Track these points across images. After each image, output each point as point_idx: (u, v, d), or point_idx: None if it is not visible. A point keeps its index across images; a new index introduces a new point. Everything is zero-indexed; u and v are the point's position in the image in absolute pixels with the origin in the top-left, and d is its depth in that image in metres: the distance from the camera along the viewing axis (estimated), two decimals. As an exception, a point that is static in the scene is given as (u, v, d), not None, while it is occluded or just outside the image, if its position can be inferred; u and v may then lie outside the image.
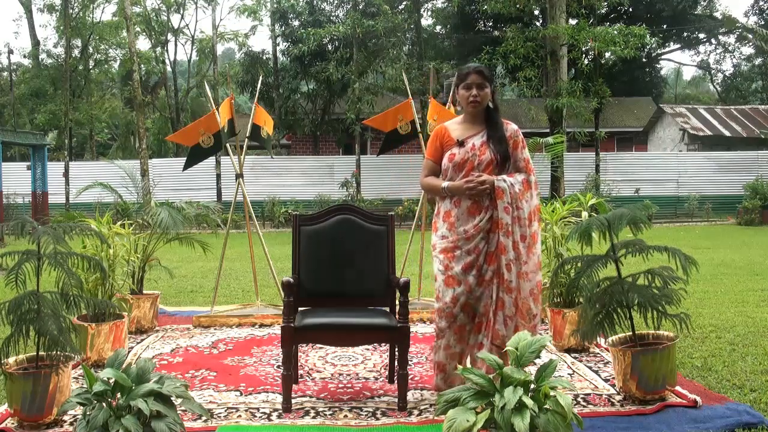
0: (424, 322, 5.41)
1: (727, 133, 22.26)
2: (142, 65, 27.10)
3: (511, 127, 3.46)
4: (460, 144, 3.38)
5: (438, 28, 28.81)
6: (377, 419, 3.28)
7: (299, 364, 3.94)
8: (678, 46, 32.01)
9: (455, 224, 3.32)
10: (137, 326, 5.20)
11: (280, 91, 22.25)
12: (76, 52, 26.17)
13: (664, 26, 28.32)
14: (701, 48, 32.87)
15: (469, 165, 3.34)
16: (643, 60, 29.26)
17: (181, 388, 2.73)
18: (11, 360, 3.27)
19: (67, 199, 19.13)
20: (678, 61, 60.24)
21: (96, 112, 27.44)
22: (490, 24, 25.16)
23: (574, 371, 4.02)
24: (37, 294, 3.20)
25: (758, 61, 30.45)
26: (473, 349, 3.30)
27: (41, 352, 3.27)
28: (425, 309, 5.56)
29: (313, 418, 3.29)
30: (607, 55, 19.43)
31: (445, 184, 3.37)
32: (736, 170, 19.64)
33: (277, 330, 4.90)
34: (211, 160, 18.24)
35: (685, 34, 30.39)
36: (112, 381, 2.66)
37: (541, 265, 3.40)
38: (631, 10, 25.65)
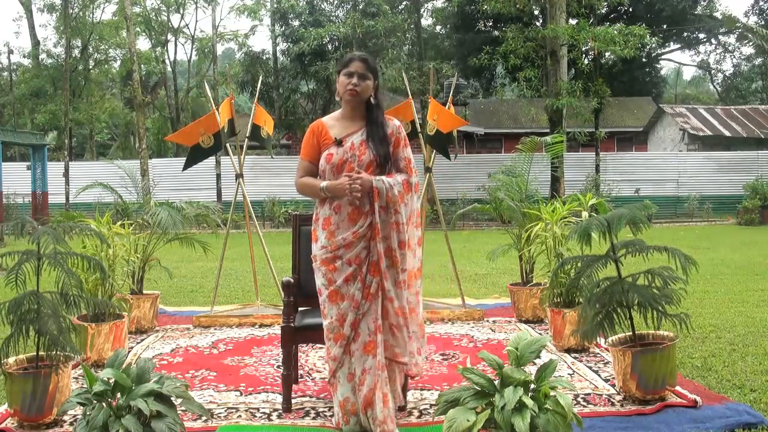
0: (424, 322, 5.40)
1: (727, 133, 22.27)
2: (142, 65, 27.15)
3: (392, 123, 3.15)
4: (339, 143, 3.07)
5: (438, 28, 28.86)
6: (377, 419, 3.27)
7: (299, 364, 3.94)
8: (678, 46, 32.09)
9: (335, 232, 3.02)
10: (137, 326, 5.20)
11: (280, 91, 22.27)
12: (76, 52, 26.21)
13: (664, 26, 28.36)
14: (701, 48, 33.01)
15: (349, 166, 3.03)
16: (643, 60, 29.28)
17: (181, 388, 2.73)
18: (11, 360, 3.27)
19: (67, 199, 19.13)
20: (678, 61, 60.29)
21: (96, 112, 27.51)
22: (490, 24, 25.17)
23: (574, 371, 4.01)
24: (37, 294, 3.20)
25: (758, 61, 30.49)
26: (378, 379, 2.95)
27: (41, 352, 3.27)
28: (425, 309, 5.55)
29: (314, 418, 3.29)
30: (607, 55, 19.44)
31: (323, 183, 3.04)
32: (736, 170, 19.66)
33: (277, 330, 4.90)
34: (211, 160, 18.25)
35: (685, 34, 30.45)
36: (112, 381, 2.66)
37: (421, 273, 3.19)
38: (631, 10, 25.70)
